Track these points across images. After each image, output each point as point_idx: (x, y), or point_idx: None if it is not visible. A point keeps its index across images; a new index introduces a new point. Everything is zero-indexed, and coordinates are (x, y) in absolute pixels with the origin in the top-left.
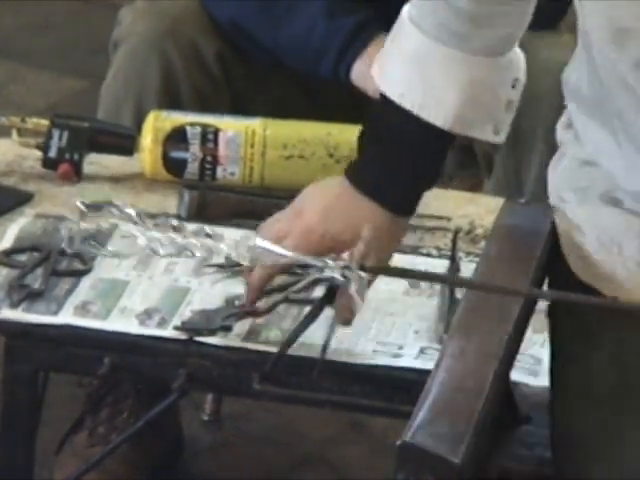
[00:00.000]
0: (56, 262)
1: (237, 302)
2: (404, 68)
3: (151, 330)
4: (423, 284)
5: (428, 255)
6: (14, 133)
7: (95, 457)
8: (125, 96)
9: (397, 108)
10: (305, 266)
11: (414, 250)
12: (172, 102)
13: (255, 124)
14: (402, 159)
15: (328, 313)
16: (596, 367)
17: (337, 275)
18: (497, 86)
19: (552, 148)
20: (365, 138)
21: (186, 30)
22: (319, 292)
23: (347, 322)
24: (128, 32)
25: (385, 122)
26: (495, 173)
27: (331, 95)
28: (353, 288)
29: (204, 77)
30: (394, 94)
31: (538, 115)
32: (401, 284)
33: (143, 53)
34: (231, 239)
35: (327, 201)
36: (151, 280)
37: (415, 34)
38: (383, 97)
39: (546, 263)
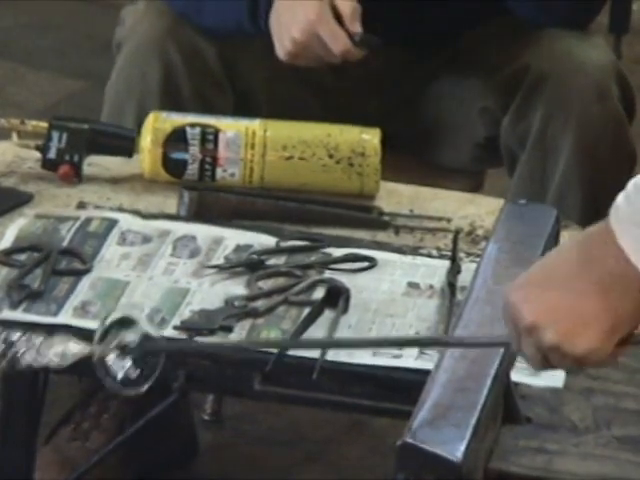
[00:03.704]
0: (56, 262)
1: (237, 302)
2: None
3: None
4: (423, 285)
5: (429, 256)
6: (14, 135)
7: (95, 458)
8: (127, 96)
9: None
10: (305, 267)
11: (414, 251)
12: (174, 102)
13: (255, 125)
14: None
15: (328, 314)
16: None
17: None
18: None
19: (580, 148)
20: None
21: (187, 30)
22: (319, 294)
23: None
24: (130, 32)
25: None
26: (519, 171)
27: (334, 95)
28: None
29: (206, 77)
30: None
31: (568, 115)
32: (401, 285)
33: (144, 53)
34: (231, 239)
35: None
36: (151, 280)
37: None
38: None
39: None
